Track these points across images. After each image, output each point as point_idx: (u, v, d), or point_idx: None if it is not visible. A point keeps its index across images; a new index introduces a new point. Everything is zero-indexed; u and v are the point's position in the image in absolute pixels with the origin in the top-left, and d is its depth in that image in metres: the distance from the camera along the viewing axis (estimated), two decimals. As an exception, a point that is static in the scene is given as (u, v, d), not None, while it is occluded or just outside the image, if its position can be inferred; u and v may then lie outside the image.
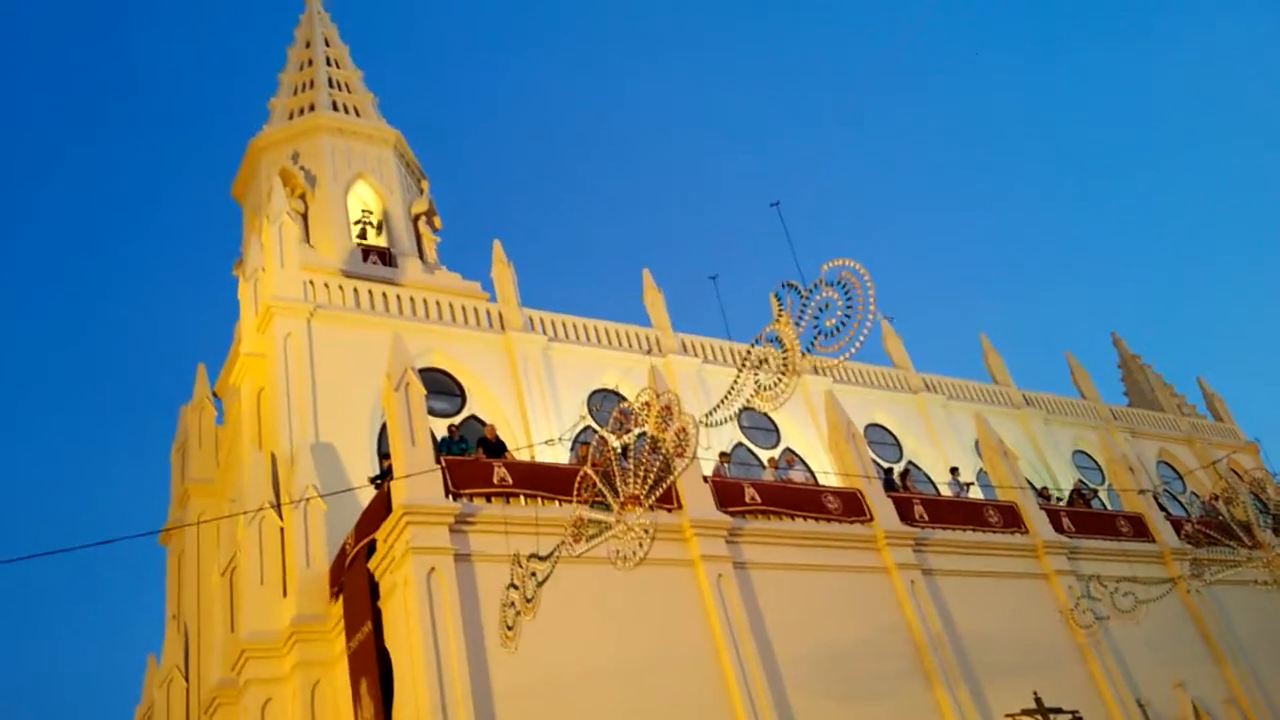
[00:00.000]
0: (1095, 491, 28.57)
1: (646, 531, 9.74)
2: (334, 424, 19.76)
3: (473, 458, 16.94)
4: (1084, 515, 23.64)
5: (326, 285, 22.13)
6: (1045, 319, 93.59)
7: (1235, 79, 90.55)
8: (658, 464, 9.28)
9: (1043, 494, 24.51)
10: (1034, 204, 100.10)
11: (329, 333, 21.07)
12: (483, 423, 21.29)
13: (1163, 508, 25.73)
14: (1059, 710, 16.27)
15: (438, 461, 15.65)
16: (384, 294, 22.74)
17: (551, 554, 10.69)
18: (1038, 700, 16.32)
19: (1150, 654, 20.93)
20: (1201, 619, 22.69)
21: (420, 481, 14.97)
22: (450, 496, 15.28)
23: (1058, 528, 22.19)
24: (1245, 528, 19.40)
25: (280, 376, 19.83)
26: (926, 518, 20.41)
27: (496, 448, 18.34)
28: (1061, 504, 24.44)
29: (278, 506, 18.38)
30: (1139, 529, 23.85)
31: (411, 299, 23.07)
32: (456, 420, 21.22)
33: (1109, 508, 26.54)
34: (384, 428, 19.23)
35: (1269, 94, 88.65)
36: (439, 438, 18.01)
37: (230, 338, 24.85)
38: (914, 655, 17.95)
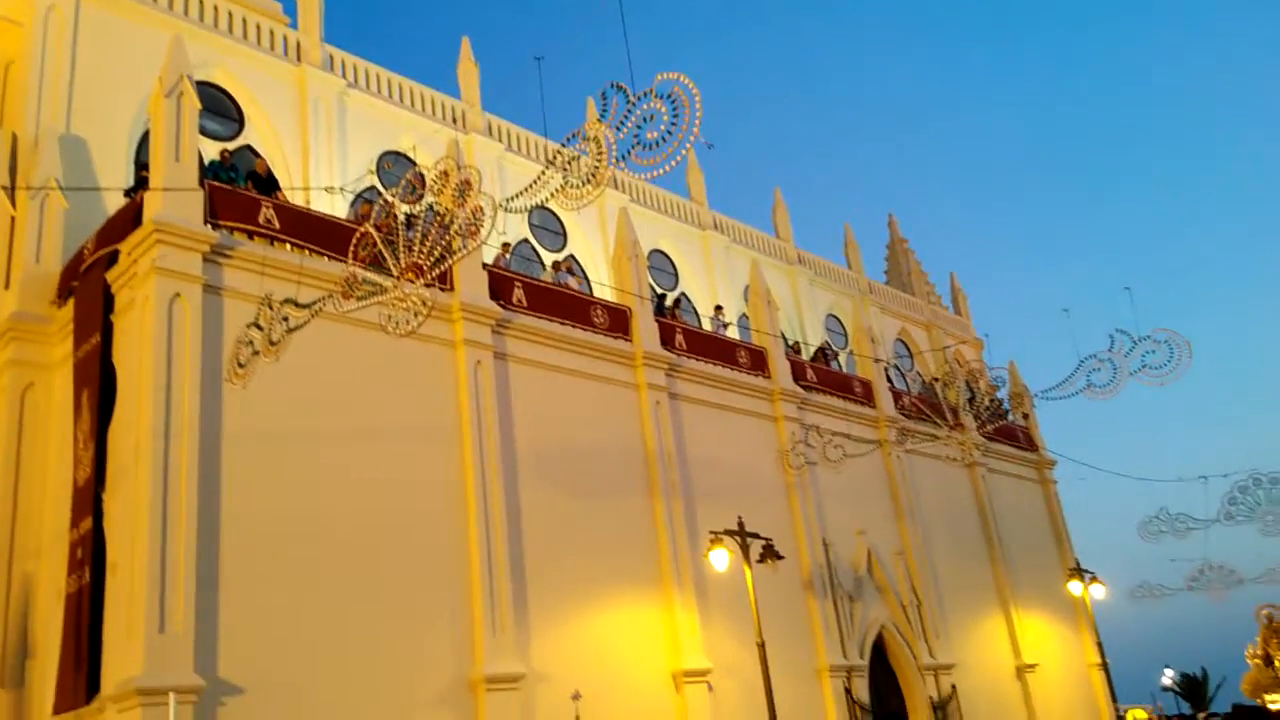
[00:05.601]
0: (837, 354, 30.76)
1: (425, 304, 9.55)
2: (89, 119, 17.88)
3: (241, 189, 15.89)
4: (822, 371, 25.50)
5: (103, -40, 19.48)
6: (835, 187, 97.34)
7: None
8: (445, 239, 9.03)
9: (793, 347, 26.12)
10: (857, 67, 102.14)
11: (99, 16, 18.79)
12: (257, 154, 19.92)
13: (890, 380, 28.16)
14: (756, 535, 17.91)
15: (202, 184, 14.59)
16: (169, -13, 20.33)
17: (314, 304, 10.34)
18: (740, 524, 17.87)
19: (844, 503, 23.36)
20: (894, 480, 25.42)
21: (178, 200, 13.95)
22: (209, 225, 14.37)
23: (798, 378, 23.85)
24: (953, 410, 21.63)
25: (35, 51, 17.64)
26: (685, 347, 21.36)
27: (268, 184, 17.25)
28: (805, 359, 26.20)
29: (11, 191, 16.64)
30: (866, 394, 26.05)
31: (200, 1, 20.80)
32: (230, 146, 19.71)
33: (844, 370, 28.73)
34: (146, 135, 17.60)
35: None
36: (207, 161, 16.72)
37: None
38: (642, 467, 19.16)
